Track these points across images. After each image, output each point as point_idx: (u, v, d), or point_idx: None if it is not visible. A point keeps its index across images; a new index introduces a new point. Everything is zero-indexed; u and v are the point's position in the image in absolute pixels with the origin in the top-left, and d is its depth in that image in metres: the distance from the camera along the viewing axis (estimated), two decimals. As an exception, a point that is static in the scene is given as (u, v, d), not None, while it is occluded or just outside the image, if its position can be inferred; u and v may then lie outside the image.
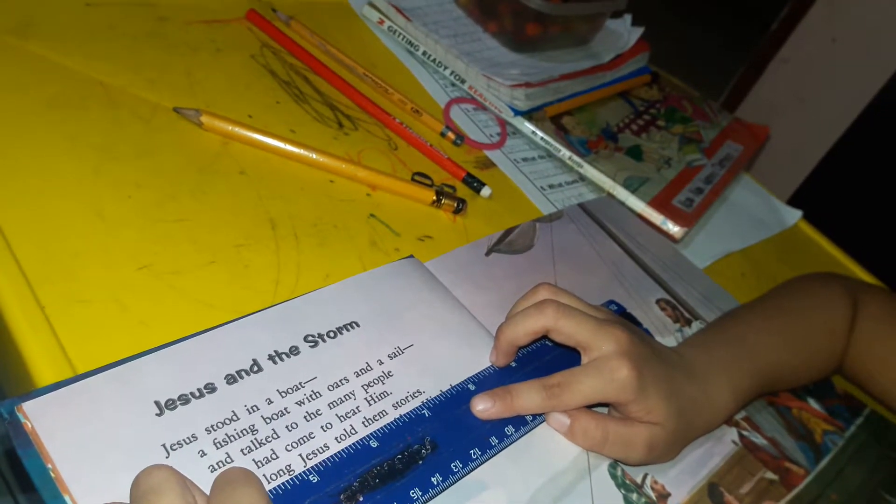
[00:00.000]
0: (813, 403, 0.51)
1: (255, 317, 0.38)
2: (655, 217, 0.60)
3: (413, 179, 0.54)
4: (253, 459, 0.32)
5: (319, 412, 0.35)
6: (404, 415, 0.36)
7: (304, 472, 0.32)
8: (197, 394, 0.33)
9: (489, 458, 0.36)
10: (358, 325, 0.40)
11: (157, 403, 0.32)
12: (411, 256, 0.47)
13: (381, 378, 0.38)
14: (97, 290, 0.37)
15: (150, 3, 0.57)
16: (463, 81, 0.66)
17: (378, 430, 0.35)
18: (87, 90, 0.47)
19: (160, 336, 0.35)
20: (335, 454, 0.33)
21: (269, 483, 0.31)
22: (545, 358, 0.42)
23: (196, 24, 0.57)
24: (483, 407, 0.37)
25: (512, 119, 0.64)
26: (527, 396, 0.37)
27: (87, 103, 0.46)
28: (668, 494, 0.40)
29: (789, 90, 1.41)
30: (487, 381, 0.40)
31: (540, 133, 0.63)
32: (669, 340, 0.49)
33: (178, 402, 0.33)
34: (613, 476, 0.39)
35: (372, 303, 0.41)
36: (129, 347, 0.34)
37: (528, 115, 0.64)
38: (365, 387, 0.37)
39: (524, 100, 0.63)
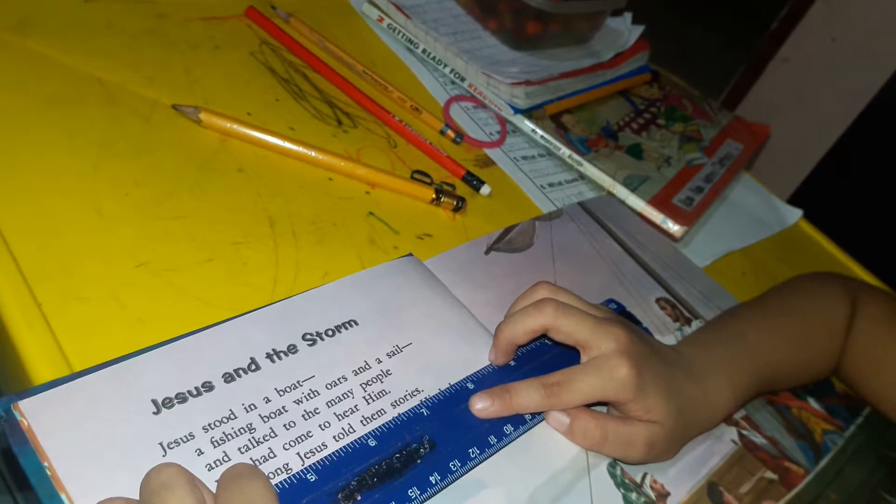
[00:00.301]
0: (813, 403, 0.51)
1: (254, 315, 0.38)
2: (655, 216, 0.60)
3: (412, 177, 0.53)
4: (251, 458, 0.32)
5: (317, 411, 0.35)
6: (403, 413, 0.36)
7: (301, 470, 0.32)
8: (194, 392, 0.33)
9: (488, 458, 0.36)
10: (356, 324, 0.40)
11: (154, 402, 0.32)
12: (410, 255, 0.47)
13: (380, 377, 0.38)
14: (95, 287, 0.36)
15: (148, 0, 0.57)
16: (463, 79, 0.65)
17: (376, 428, 0.35)
18: (85, 87, 0.47)
19: (158, 334, 0.35)
20: (333, 453, 0.33)
21: (266, 482, 0.31)
22: (544, 357, 0.42)
23: (195, 21, 0.57)
24: (482, 406, 0.37)
25: (512, 117, 0.64)
26: (525, 395, 0.37)
27: (86, 100, 0.46)
28: (668, 494, 0.39)
29: (789, 90, 1.40)
30: (486, 379, 0.39)
31: (540, 131, 0.63)
32: (669, 339, 0.49)
33: (176, 401, 0.32)
34: (612, 475, 0.38)
35: (371, 301, 0.41)
36: (127, 345, 0.34)
37: (528, 113, 0.64)
38: (363, 385, 0.37)
39: (524, 98, 0.63)
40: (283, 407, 0.34)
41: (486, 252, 0.50)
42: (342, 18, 0.67)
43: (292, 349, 0.37)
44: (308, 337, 0.38)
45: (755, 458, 0.44)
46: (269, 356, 0.36)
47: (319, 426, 0.34)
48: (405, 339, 0.40)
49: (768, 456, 0.45)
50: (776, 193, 0.76)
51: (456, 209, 0.53)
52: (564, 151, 0.63)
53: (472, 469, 0.35)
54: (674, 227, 0.60)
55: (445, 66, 0.66)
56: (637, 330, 0.41)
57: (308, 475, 0.32)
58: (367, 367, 0.38)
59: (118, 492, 0.28)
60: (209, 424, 0.32)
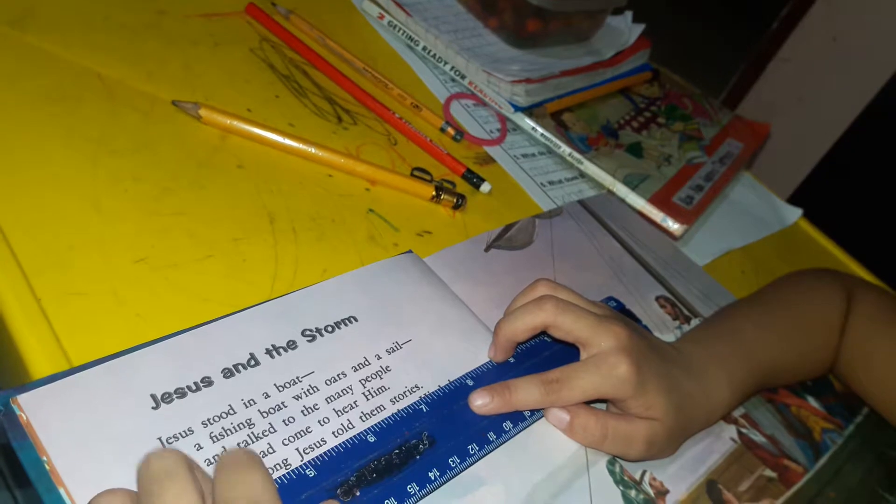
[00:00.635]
0: (812, 401, 0.51)
1: (253, 311, 0.37)
2: (655, 214, 0.60)
3: (412, 174, 0.53)
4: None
5: (317, 407, 0.35)
6: (402, 410, 0.36)
7: (300, 466, 0.32)
8: (193, 387, 0.33)
9: (487, 454, 0.36)
10: (356, 320, 0.39)
11: (153, 397, 0.32)
12: (410, 251, 0.46)
13: (379, 373, 0.38)
14: (93, 282, 0.36)
15: (149, -5, 0.57)
16: (463, 77, 0.65)
17: (375, 424, 0.35)
18: (84, 83, 0.47)
19: (156, 329, 0.35)
20: (332, 448, 0.33)
21: (265, 477, 0.31)
22: (544, 354, 0.42)
23: (195, 18, 0.57)
24: (481, 402, 0.37)
25: (512, 115, 0.64)
26: (525, 392, 0.37)
27: (85, 96, 0.46)
28: (667, 491, 0.39)
29: (790, 89, 1.40)
30: (485, 376, 0.39)
31: (540, 129, 0.63)
32: (669, 337, 0.49)
33: (175, 396, 0.32)
34: (612, 472, 0.38)
35: (370, 297, 0.41)
36: (126, 340, 0.34)
37: (529, 111, 0.64)
38: (363, 381, 0.37)
39: (524, 96, 0.63)
40: (283, 402, 0.34)
41: (486, 249, 0.50)
42: (342, 15, 0.67)
43: (292, 345, 0.37)
44: (307, 333, 0.38)
45: (754, 457, 0.44)
46: (268, 352, 0.36)
47: (318, 422, 0.34)
48: (404, 336, 0.40)
49: (767, 454, 0.44)
50: (776, 193, 0.76)
51: (456, 206, 0.53)
52: (565, 149, 0.63)
53: (471, 465, 0.35)
54: (674, 226, 0.59)
55: (446, 63, 0.66)
56: (636, 327, 0.41)
57: (307, 471, 0.31)
58: (366, 363, 0.38)
59: (117, 486, 0.27)
60: (208, 419, 0.32)
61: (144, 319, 0.36)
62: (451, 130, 0.60)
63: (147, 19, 0.55)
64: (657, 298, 0.52)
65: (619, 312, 0.44)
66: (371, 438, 0.34)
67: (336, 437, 0.34)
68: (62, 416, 0.30)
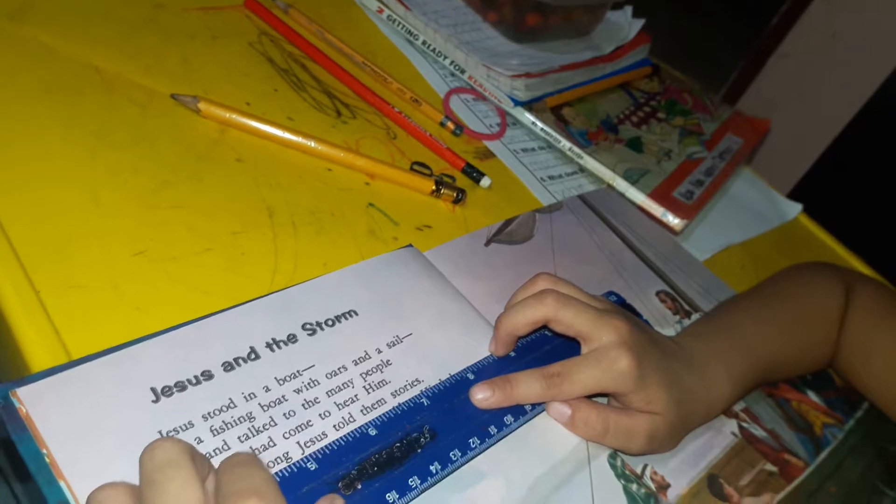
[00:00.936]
0: (812, 396, 0.50)
1: (253, 304, 0.37)
2: (656, 209, 0.60)
3: (412, 169, 0.53)
4: (250, 447, 0.32)
5: (317, 400, 0.34)
6: (403, 403, 0.36)
7: (301, 459, 0.31)
8: (194, 381, 0.33)
9: (488, 448, 0.36)
10: (356, 314, 0.39)
11: (153, 390, 0.32)
12: (410, 245, 0.46)
13: (380, 367, 0.37)
14: (93, 275, 0.36)
15: (147, -11, 0.56)
16: (463, 71, 0.65)
17: (377, 418, 0.35)
18: (83, 76, 0.47)
19: (156, 323, 0.35)
20: (333, 442, 0.33)
21: (266, 470, 0.31)
22: (544, 348, 0.42)
23: (193, 12, 0.57)
24: (482, 396, 0.37)
25: (512, 109, 0.64)
26: (526, 386, 0.37)
27: (84, 89, 0.46)
28: (668, 485, 0.39)
29: (789, 85, 1.40)
30: (486, 370, 0.39)
31: (540, 124, 0.63)
32: (669, 332, 0.48)
33: (175, 389, 0.32)
34: (613, 466, 0.38)
35: (371, 291, 0.41)
36: (125, 333, 0.34)
37: (529, 105, 0.64)
38: (363, 375, 0.37)
39: (524, 90, 0.63)
40: (283, 396, 0.34)
41: (486, 244, 0.49)
42: (341, 9, 0.67)
43: (292, 339, 0.36)
44: (308, 326, 0.37)
45: (755, 451, 0.44)
46: (268, 345, 0.36)
47: (319, 415, 0.34)
48: (405, 330, 0.40)
49: (768, 448, 0.44)
50: (776, 188, 0.76)
51: (456, 201, 0.53)
52: (565, 144, 0.63)
53: (472, 459, 0.35)
54: (674, 221, 0.59)
55: (445, 57, 0.66)
56: (637, 321, 0.41)
57: (308, 464, 0.31)
58: (367, 356, 0.38)
59: (117, 479, 0.27)
60: (209, 413, 0.32)
61: (144, 312, 0.36)
62: (450, 125, 0.60)
63: (145, 13, 0.54)
64: (657, 293, 0.52)
65: (620, 307, 0.43)
66: (372, 432, 0.34)
67: (337, 430, 0.34)
68: (62, 409, 0.30)
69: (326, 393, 0.35)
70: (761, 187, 0.75)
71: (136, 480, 0.26)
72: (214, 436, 0.31)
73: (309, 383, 0.35)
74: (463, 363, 0.39)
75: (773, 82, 1.43)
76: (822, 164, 1.35)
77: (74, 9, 0.51)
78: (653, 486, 0.39)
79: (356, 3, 0.68)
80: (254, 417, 0.33)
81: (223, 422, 0.32)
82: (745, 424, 0.45)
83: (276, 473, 0.31)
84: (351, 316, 0.39)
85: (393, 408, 0.36)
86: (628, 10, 0.80)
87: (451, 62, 0.65)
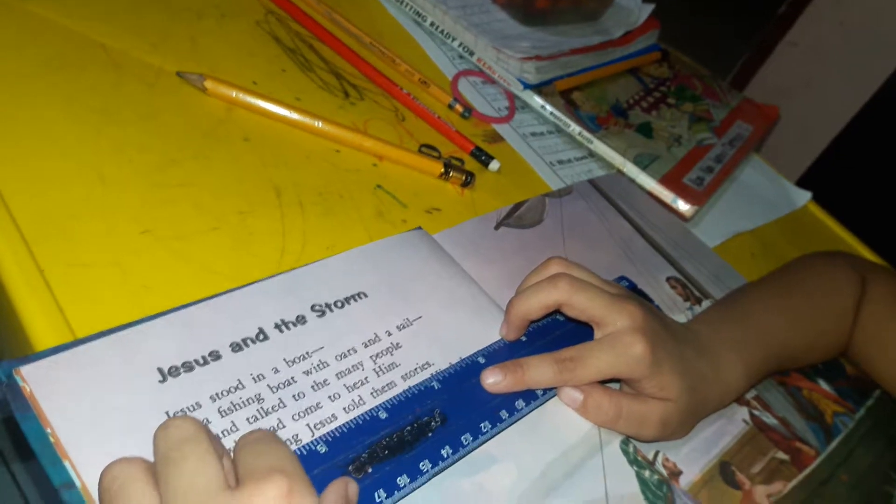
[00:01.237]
0: (823, 384, 0.50)
1: (262, 284, 0.37)
2: (666, 195, 0.59)
3: (420, 151, 0.52)
4: (259, 428, 0.31)
5: (327, 382, 0.34)
6: (413, 386, 0.35)
7: (311, 441, 0.31)
8: (201, 361, 0.32)
9: (499, 432, 0.35)
10: (366, 296, 0.39)
11: (159, 370, 0.31)
12: (419, 228, 0.46)
13: (390, 349, 0.37)
14: (98, 253, 0.35)
15: (152, -35, 0.55)
16: (471, 53, 0.64)
17: (387, 401, 0.34)
18: (88, 52, 0.46)
19: (163, 302, 0.34)
20: (344, 424, 0.32)
21: (275, 453, 0.30)
22: (556, 332, 0.41)
23: (200, -11, 0.56)
24: (493, 380, 0.36)
25: (521, 93, 0.63)
26: (538, 370, 0.37)
27: (89, 65, 0.45)
28: (680, 472, 0.39)
29: (797, 73, 1.39)
30: (497, 354, 0.39)
31: (549, 107, 0.62)
32: (680, 319, 0.48)
33: (182, 370, 0.32)
34: (625, 452, 0.38)
35: (380, 273, 0.40)
36: (131, 312, 0.33)
37: (538, 89, 0.63)
38: (373, 357, 0.36)
39: (534, 73, 0.62)
40: (292, 377, 0.33)
41: (496, 227, 0.49)
42: (349, -11, 0.66)
43: (301, 320, 0.36)
44: (317, 308, 0.37)
45: (766, 439, 0.43)
46: (277, 326, 0.35)
47: (329, 397, 0.33)
48: (415, 313, 0.39)
49: (780, 436, 0.44)
50: (784, 177, 0.75)
51: (465, 184, 0.52)
52: (574, 128, 0.62)
53: (483, 443, 0.35)
54: (684, 207, 0.59)
55: (454, 39, 0.65)
56: (651, 307, 0.40)
57: (318, 446, 0.31)
58: (376, 339, 0.37)
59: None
60: (216, 394, 0.31)
61: (150, 291, 0.35)
62: (459, 107, 0.59)
63: (150, -11, 0.53)
64: (668, 279, 0.51)
65: (633, 292, 0.43)
66: (383, 415, 0.33)
67: (347, 413, 0.33)
68: (66, 388, 0.29)
69: (336, 375, 0.34)
70: (770, 175, 0.74)
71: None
72: (222, 417, 0.31)
73: (318, 365, 0.34)
74: (473, 347, 0.39)
75: (780, 71, 1.42)
76: (829, 153, 1.34)
77: (78, -16, 0.50)
78: (665, 472, 0.38)
79: (363, -16, 0.67)
80: (262, 399, 0.32)
81: (231, 403, 0.31)
82: (756, 412, 0.45)
83: (286, 456, 0.30)
84: (360, 298, 0.38)
85: (403, 391, 0.35)
86: (638, -6, 0.78)
87: (460, 44, 0.64)
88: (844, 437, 0.46)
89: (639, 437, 0.38)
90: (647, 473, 0.37)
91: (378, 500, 0.30)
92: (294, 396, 0.33)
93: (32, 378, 0.29)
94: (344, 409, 0.33)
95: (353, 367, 0.35)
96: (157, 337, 0.32)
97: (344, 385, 0.34)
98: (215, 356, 0.33)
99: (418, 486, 0.32)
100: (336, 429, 0.32)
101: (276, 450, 0.25)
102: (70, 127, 0.41)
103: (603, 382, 0.39)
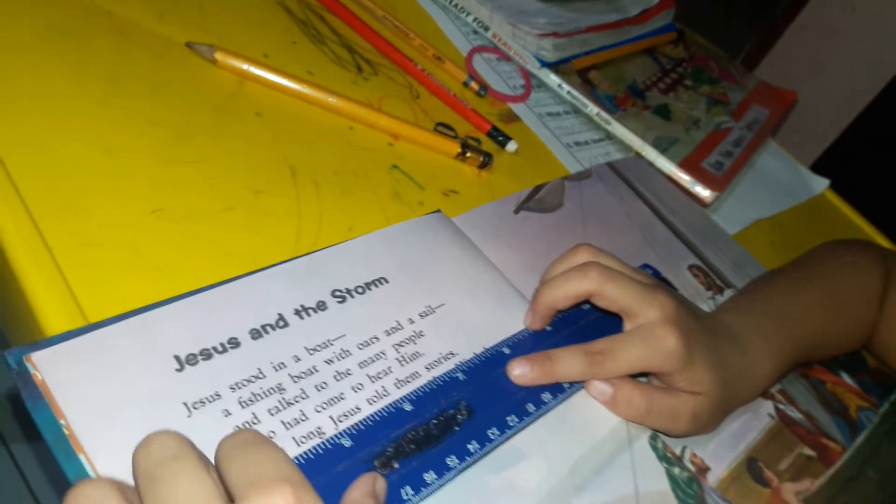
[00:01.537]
0: (846, 378, 0.49)
1: (280, 268, 0.35)
2: (685, 179, 0.58)
3: (436, 130, 0.51)
4: (281, 420, 0.29)
5: (350, 372, 0.32)
6: (438, 377, 0.34)
7: (335, 435, 0.29)
8: (220, 348, 0.31)
9: (526, 426, 0.34)
10: (387, 282, 0.37)
11: (176, 358, 0.30)
12: (438, 211, 0.44)
13: (413, 338, 0.35)
14: (109, 232, 0.34)
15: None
16: (486, 29, 0.62)
17: (412, 392, 0.33)
18: (93, 19, 0.44)
19: (177, 284, 0.33)
20: (368, 417, 0.31)
21: (299, 446, 0.29)
22: (581, 322, 0.40)
23: (208, -45, 0.53)
24: (520, 371, 0.35)
25: (537, 71, 0.61)
26: (568, 363, 0.35)
27: (95, 32, 0.43)
28: (708, 468, 0.38)
29: (807, 57, 1.37)
30: (522, 344, 0.37)
31: (567, 86, 0.60)
32: (703, 308, 0.47)
33: (200, 357, 0.30)
34: (654, 448, 0.37)
35: (401, 258, 0.39)
36: (145, 295, 0.32)
37: (555, 67, 0.61)
38: (396, 346, 0.34)
39: (552, 50, 0.60)
40: (314, 367, 0.32)
41: (516, 211, 0.47)
42: (361, -40, 0.64)
43: (322, 306, 0.34)
44: (338, 294, 0.35)
45: (792, 434, 0.42)
46: (297, 312, 0.33)
47: (352, 388, 0.32)
48: (437, 300, 0.38)
49: (805, 431, 0.43)
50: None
51: (482, 165, 0.50)
52: (592, 109, 0.60)
53: (510, 438, 0.33)
54: (704, 192, 0.57)
55: (468, 14, 0.62)
56: (682, 297, 0.39)
57: (342, 440, 0.29)
58: (399, 327, 0.35)
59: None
60: (236, 384, 0.30)
61: (164, 273, 0.33)
62: (474, 85, 0.57)
63: (157, -46, 0.51)
64: (689, 267, 0.50)
65: (661, 281, 0.41)
66: (407, 407, 0.32)
67: (371, 404, 0.32)
68: (80, 376, 0.27)
69: (358, 364, 0.33)
70: (787, 161, 0.72)
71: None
72: (243, 408, 0.29)
73: (340, 354, 0.33)
74: (497, 336, 0.37)
75: (789, 54, 1.40)
76: (843, 140, 1.32)
77: (82, -54, 0.48)
78: (693, 468, 0.37)
79: (375, -46, 0.65)
80: (284, 389, 0.30)
81: (252, 393, 0.30)
82: (781, 406, 0.44)
83: (310, 450, 0.29)
84: (381, 283, 0.37)
85: (428, 382, 0.34)
86: (655, -29, 0.76)
87: (475, 19, 0.62)
88: (870, 433, 0.45)
89: (669, 431, 0.37)
90: (676, 471, 0.36)
91: (405, 499, 0.29)
92: (316, 387, 0.31)
93: (44, 365, 0.27)
94: (367, 400, 0.32)
95: (375, 356, 0.34)
96: (174, 322, 0.31)
97: (367, 375, 0.33)
98: (234, 343, 0.31)
99: (445, 483, 0.30)
100: (360, 421, 0.30)
101: (271, 455, 0.22)
102: (76, 97, 0.39)
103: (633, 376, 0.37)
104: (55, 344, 0.28)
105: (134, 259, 0.33)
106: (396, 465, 0.29)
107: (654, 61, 0.71)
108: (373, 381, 0.33)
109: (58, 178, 0.35)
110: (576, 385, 0.37)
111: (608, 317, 0.38)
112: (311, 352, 0.32)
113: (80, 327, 0.29)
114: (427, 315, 0.37)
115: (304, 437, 0.29)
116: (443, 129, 0.51)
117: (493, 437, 0.32)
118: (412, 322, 0.36)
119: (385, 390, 0.33)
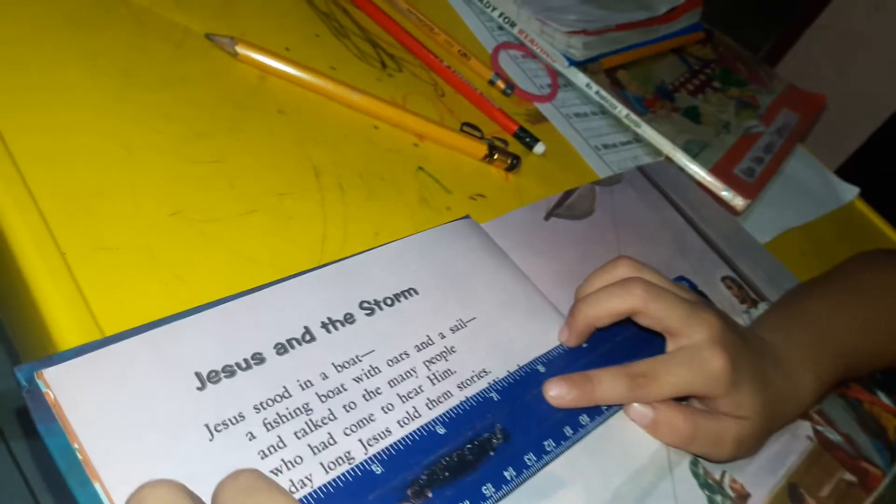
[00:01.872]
0: (883, 397, 0.47)
1: (306, 277, 0.33)
2: (717, 186, 0.56)
3: (462, 130, 0.48)
4: (308, 444, 0.28)
5: (379, 391, 0.30)
6: (471, 397, 0.32)
7: (365, 461, 0.28)
8: (243, 365, 0.29)
9: (564, 451, 0.32)
10: (416, 293, 0.35)
11: (198, 375, 0.28)
12: (468, 217, 0.42)
13: (444, 354, 0.33)
14: (124, 235, 0.32)
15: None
16: (513, 25, 0.60)
17: (444, 413, 0.31)
18: (109, 7, 0.41)
19: (197, 293, 0.31)
20: (399, 441, 0.29)
21: (327, 473, 0.27)
22: (617, 339, 0.38)
23: (227, -59, 0.51)
24: (557, 393, 0.33)
25: (565, 69, 0.59)
26: (609, 385, 0.33)
27: (111, 21, 0.41)
28: (748, 495, 0.36)
29: (829, 59, 1.35)
30: (557, 362, 0.35)
31: (595, 86, 0.58)
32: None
33: (223, 375, 0.28)
34: (696, 475, 0.35)
35: (430, 267, 0.37)
36: (163, 305, 0.30)
37: (583, 66, 0.59)
38: (427, 363, 0.33)
39: (581, 49, 0.58)
40: (342, 385, 0.30)
41: (546, 218, 0.45)
42: (384, -50, 0.61)
43: (349, 318, 0.32)
44: (366, 305, 0.33)
45: (832, 458, 0.40)
46: (324, 325, 0.31)
47: (382, 409, 0.30)
48: (469, 313, 0.36)
49: (845, 455, 0.41)
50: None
51: (510, 168, 0.48)
52: (621, 110, 0.58)
53: (547, 464, 0.31)
54: (736, 200, 0.55)
55: (494, 9, 0.60)
56: (727, 316, 0.37)
57: (373, 466, 0.27)
58: (429, 342, 0.33)
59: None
60: (261, 403, 0.28)
61: (183, 281, 0.31)
62: (500, 83, 0.55)
63: (175, -60, 0.49)
64: (723, 279, 0.48)
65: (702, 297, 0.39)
66: (440, 430, 0.30)
67: (402, 426, 0.30)
68: (95, 395, 0.26)
69: (388, 383, 0.31)
70: (816, 167, 0.70)
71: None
72: (268, 431, 0.27)
73: (369, 371, 0.31)
74: (531, 353, 0.36)
75: (809, 55, 1.38)
76: (870, 144, 1.30)
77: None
78: (733, 495, 0.35)
79: (399, -56, 0.63)
80: (311, 409, 0.29)
81: (277, 414, 0.28)
82: (819, 428, 0.42)
83: (339, 477, 0.27)
84: (411, 295, 0.35)
85: (460, 402, 0.32)
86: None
87: (501, 14, 0.60)
88: (910, 458, 0.43)
89: (711, 457, 0.35)
90: (719, 499, 0.34)
91: (440, 531, 0.27)
92: (345, 407, 0.29)
93: (56, 383, 0.25)
94: (398, 422, 0.30)
95: (406, 373, 0.32)
96: (195, 336, 0.29)
97: (397, 394, 0.31)
98: (259, 359, 0.29)
99: (480, 512, 0.29)
100: (391, 446, 0.29)
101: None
102: (91, 88, 0.37)
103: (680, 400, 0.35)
104: (68, 359, 0.26)
105: (151, 263, 0.31)
106: (430, 495, 0.28)
107: (682, 62, 0.69)
108: (403, 402, 0.31)
109: (71, 174, 0.33)
110: (613, 407, 0.35)
111: (645, 334, 0.37)
112: (339, 368, 0.30)
113: (95, 341, 0.27)
114: (458, 329, 0.35)
115: (332, 462, 0.27)
116: (469, 129, 0.49)
117: (530, 464, 0.31)
118: (443, 337, 0.34)
119: (416, 411, 0.31)
